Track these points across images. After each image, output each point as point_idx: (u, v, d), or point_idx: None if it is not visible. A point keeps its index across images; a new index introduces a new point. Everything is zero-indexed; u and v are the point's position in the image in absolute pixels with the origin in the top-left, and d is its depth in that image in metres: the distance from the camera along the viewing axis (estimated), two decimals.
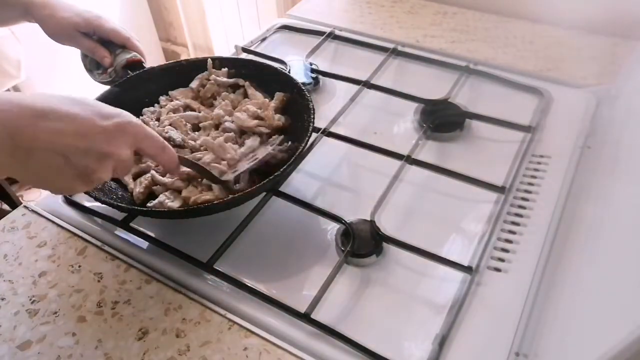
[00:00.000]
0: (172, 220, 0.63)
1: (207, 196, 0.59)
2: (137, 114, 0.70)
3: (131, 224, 0.61)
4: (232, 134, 0.66)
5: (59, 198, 0.66)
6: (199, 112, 0.70)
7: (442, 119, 0.73)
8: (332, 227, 0.61)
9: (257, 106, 0.69)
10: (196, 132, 0.68)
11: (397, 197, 0.63)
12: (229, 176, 0.59)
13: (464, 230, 0.61)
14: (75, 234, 0.62)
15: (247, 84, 0.72)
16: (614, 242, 0.47)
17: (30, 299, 0.56)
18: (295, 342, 0.51)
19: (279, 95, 0.69)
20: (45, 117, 0.40)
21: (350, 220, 0.59)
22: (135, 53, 0.71)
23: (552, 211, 0.61)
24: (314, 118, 0.62)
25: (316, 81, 0.82)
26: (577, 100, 0.76)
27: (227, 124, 0.67)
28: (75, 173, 0.43)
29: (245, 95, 0.73)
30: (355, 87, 0.79)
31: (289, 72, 0.74)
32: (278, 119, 0.67)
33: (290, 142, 0.65)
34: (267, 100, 0.70)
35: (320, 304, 0.52)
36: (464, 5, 0.99)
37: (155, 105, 0.72)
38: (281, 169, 0.57)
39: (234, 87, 0.73)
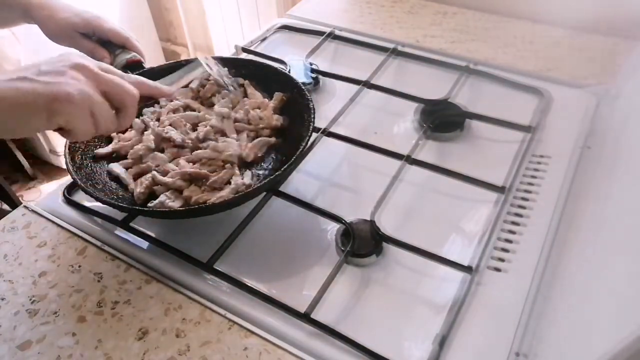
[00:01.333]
0: (172, 220, 0.63)
1: (207, 196, 0.59)
2: (137, 114, 0.70)
3: (131, 224, 0.61)
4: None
5: (59, 198, 0.66)
6: (199, 112, 0.70)
7: (442, 119, 0.73)
8: (332, 227, 0.61)
9: (255, 105, 0.69)
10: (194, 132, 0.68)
11: (397, 197, 0.63)
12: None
13: (464, 230, 0.61)
14: (75, 234, 0.62)
15: (246, 82, 0.72)
16: (614, 242, 0.47)
17: (30, 299, 0.56)
18: (295, 342, 0.51)
19: (278, 95, 0.69)
20: None
21: (350, 220, 0.59)
22: (134, 53, 0.71)
23: (552, 211, 0.61)
24: (314, 118, 0.62)
25: (316, 81, 0.82)
26: (577, 100, 0.76)
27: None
28: (52, 75, 0.44)
29: (245, 94, 0.73)
30: (355, 87, 0.79)
31: (289, 72, 0.74)
32: (276, 120, 0.67)
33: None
34: (266, 100, 0.70)
35: (320, 304, 0.52)
36: (464, 5, 0.99)
37: (155, 105, 0.72)
38: (281, 169, 0.57)
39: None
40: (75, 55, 0.47)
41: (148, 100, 0.54)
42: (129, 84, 0.49)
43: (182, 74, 0.60)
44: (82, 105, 0.44)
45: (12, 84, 0.43)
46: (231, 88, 0.69)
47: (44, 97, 0.43)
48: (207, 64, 0.64)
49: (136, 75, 0.52)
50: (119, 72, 0.50)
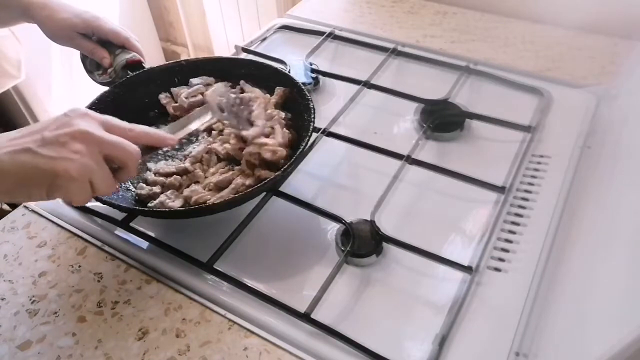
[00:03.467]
0: (172, 220, 0.63)
1: (207, 196, 0.59)
2: (138, 113, 0.70)
3: (131, 224, 0.61)
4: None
5: None
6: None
7: (442, 119, 0.73)
8: (332, 227, 0.61)
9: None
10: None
11: (397, 197, 0.63)
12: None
13: (464, 230, 0.61)
14: (75, 234, 0.62)
15: (242, 82, 0.72)
16: (614, 242, 0.47)
17: (30, 299, 0.56)
18: (295, 342, 0.51)
19: (279, 90, 0.69)
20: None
21: (350, 220, 0.59)
22: (134, 53, 0.71)
23: (552, 211, 0.61)
24: (314, 118, 0.62)
25: (316, 81, 0.82)
26: (577, 100, 0.76)
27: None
28: (54, 147, 0.43)
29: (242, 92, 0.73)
30: (355, 87, 0.79)
31: (289, 72, 0.74)
32: (279, 114, 0.67)
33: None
34: (267, 95, 0.70)
35: (320, 304, 0.52)
36: (464, 5, 0.99)
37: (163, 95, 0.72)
38: (282, 169, 0.57)
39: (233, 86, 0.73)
40: (79, 118, 0.45)
41: (152, 150, 0.52)
42: (130, 144, 0.48)
43: (189, 120, 0.58)
44: (82, 179, 0.44)
45: (15, 158, 0.42)
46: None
47: (46, 175, 0.42)
48: (218, 106, 0.61)
49: (140, 127, 0.51)
50: (123, 125, 0.49)
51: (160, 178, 0.62)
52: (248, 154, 0.61)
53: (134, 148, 0.48)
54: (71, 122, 0.45)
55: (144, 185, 0.62)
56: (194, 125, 0.58)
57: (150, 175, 0.63)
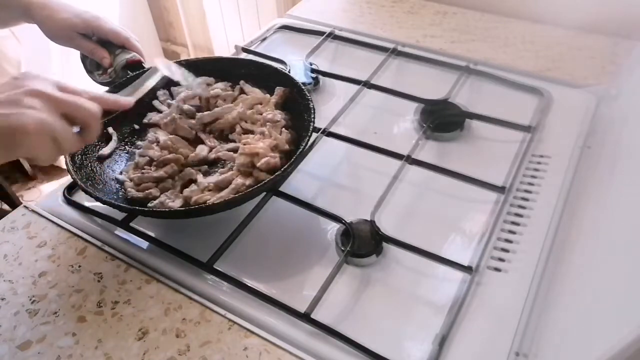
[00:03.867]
0: (172, 220, 0.63)
1: (207, 196, 0.59)
2: (138, 114, 0.70)
3: (131, 224, 0.61)
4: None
5: (59, 198, 0.66)
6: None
7: (442, 119, 0.73)
8: (332, 227, 0.61)
9: (256, 101, 0.69)
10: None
11: (397, 197, 0.63)
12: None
13: (464, 230, 0.61)
14: (75, 234, 0.62)
15: (242, 82, 0.72)
16: (614, 241, 0.47)
17: (30, 299, 0.56)
18: (295, 342, 0.51)
19: (279, 89, 0.69)
20: None
21: (350, 220, 0.59)
22: (134, 53, 0.71)
23: (552, 211, 0.61)
24: (314, 118, 0.62)
25: (316, 81, 0.82)
26: (577, 100, 0.76)
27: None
28: (7, 106, 0.42)
29: (242, 93, 0.73)
30: (355, 87, 0.79)
31: (289, 72, 0.74)
32: (278, 115, 0.67)
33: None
34: (267, 95, 0.70)
35: (320, 304, 0.52)
36: (464, 5, 0.99)
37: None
38: (282, 169, 0.57)
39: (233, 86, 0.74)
40: (31, 79, 0.45)
41: (109, 114, 0.51)
42: (90, 102, 0.47)
43: (141, 82, 0.59)
44: (41, 135, 0.43)
45: None
46: (198, 90, 0.69)
47: (3, 132, 0.42)
48: (168, 68, 0.63)
49: (94, 91, 0.50)
50: (77, 88, 0.48)
51: (151, 183, 0.62)
52: (240, 165, 0.61)
53: (95, 106, 0.47)
54: (23, 83, 0.44)
55: (133, 190, 0.62)
56: (147, 86, 0.58)
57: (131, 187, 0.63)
